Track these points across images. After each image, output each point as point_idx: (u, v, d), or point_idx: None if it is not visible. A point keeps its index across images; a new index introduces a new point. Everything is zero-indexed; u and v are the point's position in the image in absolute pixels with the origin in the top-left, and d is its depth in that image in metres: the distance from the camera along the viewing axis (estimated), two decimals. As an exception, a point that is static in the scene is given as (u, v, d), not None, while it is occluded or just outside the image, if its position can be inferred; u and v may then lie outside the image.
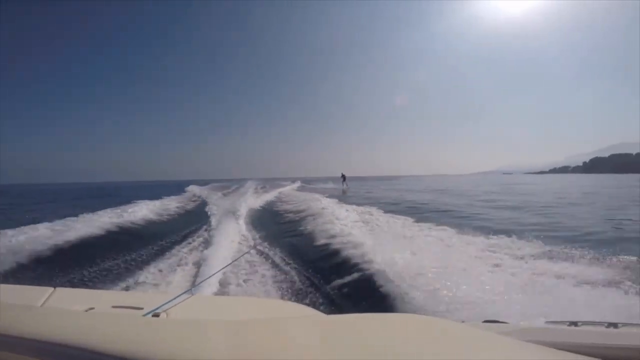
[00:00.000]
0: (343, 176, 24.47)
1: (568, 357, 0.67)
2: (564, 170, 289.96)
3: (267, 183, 28.33)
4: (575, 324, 0.91)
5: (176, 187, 24.87)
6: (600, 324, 0.89)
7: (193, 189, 21.25)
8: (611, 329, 0.85)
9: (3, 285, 1.35)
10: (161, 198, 14.26)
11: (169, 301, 1.14)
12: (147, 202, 11.77)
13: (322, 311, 1.33)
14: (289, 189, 21.97)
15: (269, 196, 15.81)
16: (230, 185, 25.77)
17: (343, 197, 15.10)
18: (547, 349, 0.68)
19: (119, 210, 8.94)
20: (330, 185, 27.09)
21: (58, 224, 6.68)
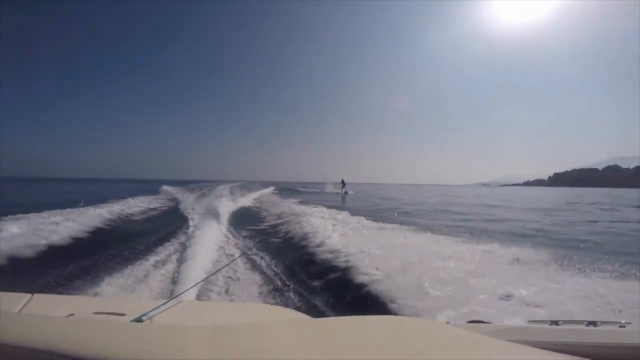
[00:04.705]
0: (342, 182, 25.49)
1: (550, 356, 0.69)
2: (539, 183, 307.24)
3: (244, 187, 26.44)
4: (556, 322, 0.94)
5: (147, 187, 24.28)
6: (580, 322, 0.92)
7: (167, 189, 20.37)
8: (591, 327, 0.88)
9: None
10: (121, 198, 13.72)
11: (153, 307, 1.11)
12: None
13: (309, 315, 1.32)
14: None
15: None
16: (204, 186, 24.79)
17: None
18: (530, 348, 0.70)
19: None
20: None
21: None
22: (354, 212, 9.06)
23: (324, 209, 10.08)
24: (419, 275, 3.17)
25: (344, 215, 8.39)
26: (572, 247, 5.46)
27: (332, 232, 5.75)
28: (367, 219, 7.68)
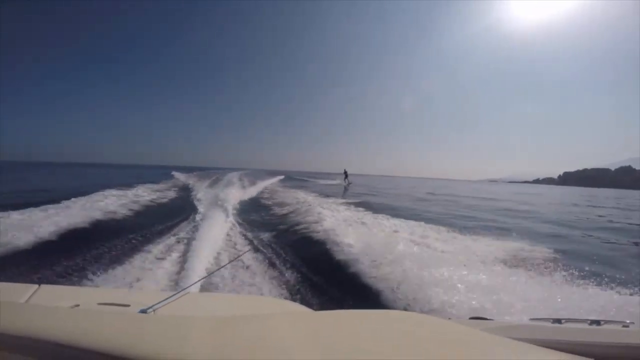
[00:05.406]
0: (345, 172, 24.40)
1: (552, 354, 0.69)
2: (548, 181, 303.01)
3: (252, 175, 26.63)
4: (559, 321, 0.94)
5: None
6: (583, 321, 0.92)
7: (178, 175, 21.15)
8: (594, 326, 0.88)
9: None
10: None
11: (157, 299, 1.14)
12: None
13: (312, 307, 1.36)
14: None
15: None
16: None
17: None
18: (532, 346, 0.70)
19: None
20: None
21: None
22: (310, 191, 14.57)
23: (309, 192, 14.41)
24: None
25: (306, 192, 14.20)
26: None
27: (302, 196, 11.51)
28: (320, 196, 12.06)
